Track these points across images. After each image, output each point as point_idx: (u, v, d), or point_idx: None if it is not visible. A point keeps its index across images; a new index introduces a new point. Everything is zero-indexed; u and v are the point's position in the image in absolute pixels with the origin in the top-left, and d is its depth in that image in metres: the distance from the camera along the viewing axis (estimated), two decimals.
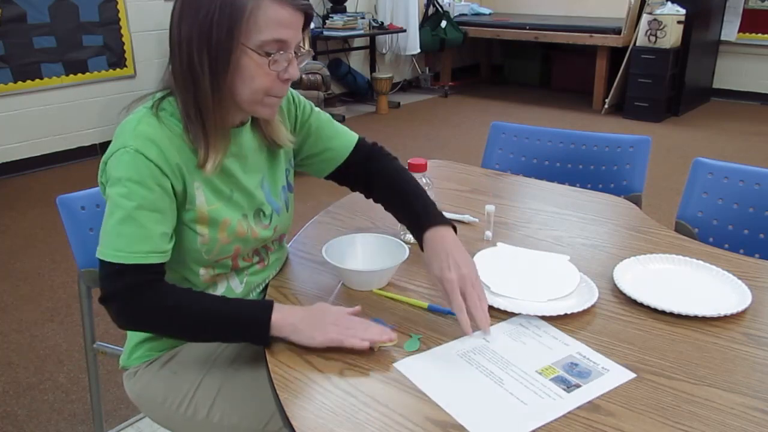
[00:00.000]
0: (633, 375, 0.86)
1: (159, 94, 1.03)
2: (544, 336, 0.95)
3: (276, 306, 0.97)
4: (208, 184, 1.04)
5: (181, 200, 1.02)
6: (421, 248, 1.09)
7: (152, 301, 0.97)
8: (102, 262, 0.96)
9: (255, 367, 1.07)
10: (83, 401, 1.94)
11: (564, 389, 0.84)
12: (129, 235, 0.95)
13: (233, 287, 1.12)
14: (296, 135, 1.22)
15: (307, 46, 1.03)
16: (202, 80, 0.98)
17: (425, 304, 1.05)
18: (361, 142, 1.29)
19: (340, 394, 0.84)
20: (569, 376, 0.86)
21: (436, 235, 1.07)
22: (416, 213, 1.13)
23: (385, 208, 1.23)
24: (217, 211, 1.05)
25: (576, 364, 0.89)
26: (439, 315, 1.02)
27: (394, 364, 0.88)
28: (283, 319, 0.95)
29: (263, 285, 1.18)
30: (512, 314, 1.01)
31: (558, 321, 0.99)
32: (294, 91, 1.22)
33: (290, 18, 0.98)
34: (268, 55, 0.98)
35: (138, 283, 0.96)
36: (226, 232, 1.06)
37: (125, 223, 0.95)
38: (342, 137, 1.27)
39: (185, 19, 0.97)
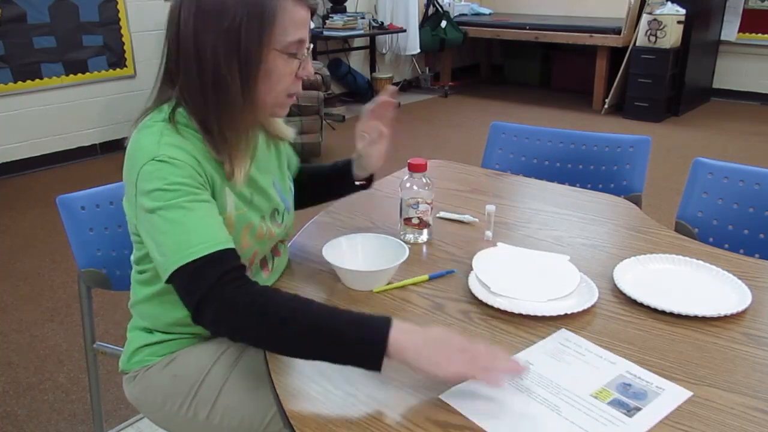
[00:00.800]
0: (689, 394, 0.83)
1: (167, 107, 1.00)
2: (588, 354, 0.92)
3: (395, 323, 0.84)
4: (235, 190, 1.03)
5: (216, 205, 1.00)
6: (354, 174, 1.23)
7: (249, 291, 0.89)
8: (176, 274, 0.89)
9: (255, 367, 1.07)
10: (83, 401, 1.94)
11: (624, 413, 0.79)
12: (194, 228, 0.91)
13: None
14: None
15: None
16: (232, 89, 0.95)
17: (426, 276, 1.10)
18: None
19: (340, 394, 0.84)
20: (626, 399, 0.82)
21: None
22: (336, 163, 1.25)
23: (316, 188, 1.29)
24: (243, 215, 1.04)
25: (629, 385, 0.85)
26: (439, 315, 1.02)
27: (441, 396, 0.82)
28: (406, 340, 0.82)
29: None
30: (513, 314, 1.01)
31: (558, 321, 0.99)
32: None
33: (306, 17, 0.99)
34: (291, 55, 0.98)
35: (226, 271, 0.89)
36: (249, 236, 1.06)
37: (185, 220, 0.91)
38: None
39: (207, 29, 0.93)
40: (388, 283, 1.11)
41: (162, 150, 0.93)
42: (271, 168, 1.15)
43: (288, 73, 1.00)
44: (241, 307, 0.88)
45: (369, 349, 0.83)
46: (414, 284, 1.11)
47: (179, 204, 0.92)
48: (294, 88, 1.03)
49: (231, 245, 0.93)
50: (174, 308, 1.07)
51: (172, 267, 0.90)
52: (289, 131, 1.18)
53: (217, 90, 0.95)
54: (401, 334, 0.83)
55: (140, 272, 1.11)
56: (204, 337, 1.14)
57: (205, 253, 0.90)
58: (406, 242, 1.21)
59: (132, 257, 1.13)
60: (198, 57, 0.95)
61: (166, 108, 1.00)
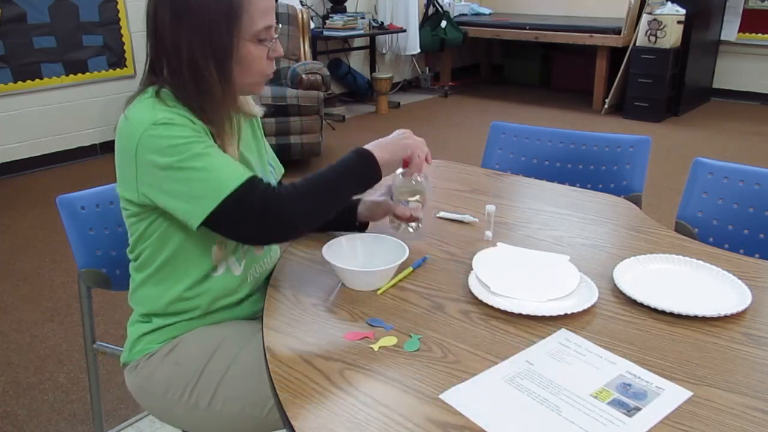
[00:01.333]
0: (689, 394, 0.83)
1: (152, 89, 1.06)
2: (588, 354, 0.92)
3: (365, 147, 1.10)
4: (238, 154, 1.12)
5: None
6: None
7: (297, 189, 1.02)
8: (215, 212, 0.98)
9: (256, 356, 1.08)
10: (83, 401, 1.94)
11: (624, 413, 0.80)
12: (224, 168, 1.00)
13: (233, 269, 1.14)
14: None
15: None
16: (210, 79, 1.03)
17: (410, 269, 1.15)
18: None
19: (340, 394, 0.84)
20: (626, 399, 0.82)
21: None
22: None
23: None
24: None
25: (629, 385, 0.85)
26: (439, 315, 1.02)
27: (441, 396, 0.83)
28: (376, 148, 1.10)
29: (261, 273, 1.20)
30: (513, 314, 1.01)
31: (558, 321, 0.99)
32: None
33: (272, 4, 1.07)
34: (261, 41, 1.06)
35: (268, 185, 1.02)
36: None
37: (208, 163, 0.99)
38: (277, 161, 1.34)
39: (180, 25, 1.01)
40: (387, 283, 1.11)
41: (159, 115, 1.01)
42: (250, 145, 1.21)
43: (260, 57, 1.08)
44: (289, 199, 1.01)
45: (365, 162, 1.09)
46: (405, 278, 1.13)
47: (197, 152, 0.99)
48: (268, 69, 1.11)
49: (255, 174, 1.03)
50: (169, 286, 1.12)
51: (212, 205, 0.98)
52: (257, 108, 1.24)
53: (197, 81, 1.03)
54: (372, 148, 1.10)
55: (135, 259, 1.15)
56: (203, 324, 1.16)
57: (244, 179, 0.99)
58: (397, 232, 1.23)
59: (128, 248, 1.16)
60: (176, 51, 1.03)
61: (150, 89, 1.06)
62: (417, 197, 1.22)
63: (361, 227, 1.29)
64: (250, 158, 1.17)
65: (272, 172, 1.27)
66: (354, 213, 1.27)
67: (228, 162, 1.02)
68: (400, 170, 1.22)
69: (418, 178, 1.20)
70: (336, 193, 1.07)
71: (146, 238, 1.10)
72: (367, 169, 1.09)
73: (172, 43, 1.02)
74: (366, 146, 1.11)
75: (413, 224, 1.24)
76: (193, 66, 1.02)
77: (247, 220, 0.99)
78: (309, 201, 1.03)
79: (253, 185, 1.00)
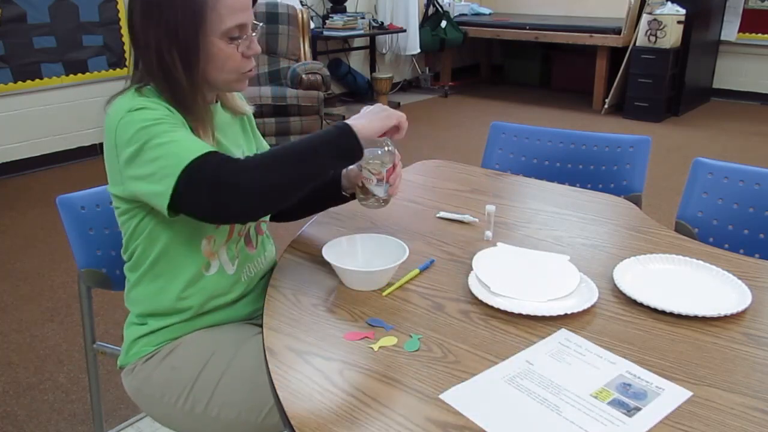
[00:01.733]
0: (689, 394, 0.83)
1: (137, 85, 1.07)
2: (588, 354, 0.92)
3: (345, 121, 1.06)
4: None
5: None
6: None
7: (256, 159, 0.98)
8: (175, 188, 0.94)
9: (252, 361, 1.08)
10: (83, 401, 1.94)
11: (624, 413, 0.80)
12: (187, 143, 0.97)
13: (225, 268, 1.14)
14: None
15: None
16: (176, 76, 1.04)
17: (416, 270, 1.14)
18: None
19: (340, 394, 0.84)
20: (626, 399, 0.82)
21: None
22: None
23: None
24: None
25: (629, 385, 0.85)
26: (439, 315, 1.02)
27: (441, 396, 0.83)
28: (356, 120, 1.06)
29: (255, 273, 1.20)
30: (513, 314, 1.01)
31: (558, 321, 0.99)
32: None
33: (245, 2, 1.06)
34: (232, 39, 1.05)
35: (227, 157, 0.97)
36: None
37: (173, 139, 0.98)
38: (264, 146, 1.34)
39: (149, 24, 1.03)
40: (389, 284, 1.11)
41: (134, 102, 1.01)
42: (240, 142, 1.21)
43: (232, 55, 1.06)
44: (243, 171, 0.95)
45: (346, 136, 1.04)
46: (411, 280, 1.12)
47: (162, 130, 0.98)
48: (245, 67, 1.09)
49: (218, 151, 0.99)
50: (163, 284, 1.12)
51: (172, 182, 0.94)
52: (246, 106, 1.24)
53: (167, 77, 1.04)
54: (352, 121, 1.06)
55: (128, 258, 1.16)
56: (199, 326, 1.16)
57: (197, 155, 0.95)
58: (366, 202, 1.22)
59: (122, 249, 1.17)
60: (147, 49, 1.04)
61: (133, 87, 1.07)
62: (387, 164, 1.18)
63: (352, 197, 1.28)
64: (235, 153, 1.17)
65: None
66: (338, 184, 1.26)
67: (192, 139, 0.99)
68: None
69: (389, 145, 1.17)
70: (305, 165, 1.00)
71: (137, 236, 1.11)
72: (345, 141, 1.04)
73: (144, 41, 1.04)
74: (348, 120, 1.08)
75: (382, 199, 1.21)
76: (162, 63, 1.03)
77: (202, 193, 0.94)
78: (271, 172, 0.97)
79: (209, 156, 0.95)
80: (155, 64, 1.04)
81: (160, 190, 0.96)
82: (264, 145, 1.31)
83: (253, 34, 1.09)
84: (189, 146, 0.96)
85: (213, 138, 1.10)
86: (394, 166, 1.19)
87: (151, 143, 0.97)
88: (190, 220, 1.03)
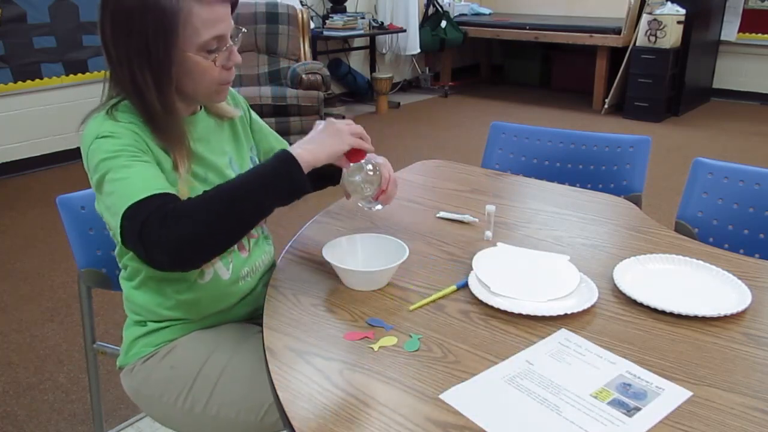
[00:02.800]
0: (689, 394, 0.83)
1: (112, 101, 1.04)
2: (588, 354, 0.92)
3: (289, 148, 1.01)
4: (189, 170, 1.07)
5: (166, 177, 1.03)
6: None
7: (183, 207, 0.92)
8: (123, 217, 0.91)
9: (251, 360, 1.08)
10: (83, 401, 1.94)
11: (624, 413, 0.79)
12: (136, 181, 0.94)
13: (220, 273, 1.13)
14: (249, 129, 1.28)
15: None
16: (149, 95, 0.99)
17: (453, 287, 1.08)
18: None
19: (340, 394, 0.84)
20: (626, 399, 0.82)
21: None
22: None
23: None
24: (197, 189, 1.07)
25: (629, 385, 0.85)
26: (439, 315, 1.02)
27: (441, 396, 0.83)
28: (302, 148, 1.01)
29: (253, 276, 1.19)
30: (513, 314, 1.01)
31: (558, 321, 0.99)
32: (231, 90, 1.24)
33: (222, 12, 1.01)
34: (210, 52, 1.01)
35: (163, 203, 0.92)
36: None
37: (128, 175, 0.95)
38: (279, 140, 1.34)
39: (118, 40, 0.99)
40: (419, 298, 1.11)
41: (103, 128, 0.99)
42: (225, 148, 1.18)
43: (209, 68, 1.02)
44: (179, 219, 0.90)
45: (287, 169, 0.98)
46: (445, 296, 1.07)
47: (120, 164, 0.96)
48: (225, 78, 1.06)
49: (171, 191, 0.96)
50: (158, 295, 1.12)
51: (118, 218, 0.92)
52: (233, 111, 1.21)
53: (138, 96, 1.00)
54: (298, 148, 1.00)
55: (123, 267, 1.16)
56: (198, 327, 1.16)
57: (146, 195, 0.92)
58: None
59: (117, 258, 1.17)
60: (117, 65, 1.00)
61: (111, 102, 1.04)
62: (374, 186, 1.17)
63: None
64: (214, 161, 1.12)
65: None
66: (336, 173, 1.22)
67: (144, 177, 0.95)
68: (349, 167, 1.14)
69: (370, 167, 1.15)
70: (244, 209, 0.94)
71: (125, 251, 1.11)
72: (287, 179, 0.97)
73: (116, 57, 1.00)
74: (294, 146, 1.02)
75: (380, 204, 1.22)
76: (134, 81, 0.99)
77: (136, 242, 0.91)
78: (204, 219, 0.91)
79: (147, 203, 0.91)
80: (128, 81, 1.00)
81: (113, 225, 0.95)
82: (271, 142, 1.30)
83: (234, 41, 1.04)
84: (138, 186, 0.93)
85: (187, 157, 1.05)
86: (385, 183, 1.18)
87: (108, 176, 0.95)
88: None
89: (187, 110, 1.12)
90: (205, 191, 0.96)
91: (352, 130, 1.08)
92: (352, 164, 1.13)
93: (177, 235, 0.89)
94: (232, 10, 1.05)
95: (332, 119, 1.08)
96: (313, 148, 1.02)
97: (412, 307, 1.03)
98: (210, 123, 1.16)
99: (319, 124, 1.08)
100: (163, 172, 1.01)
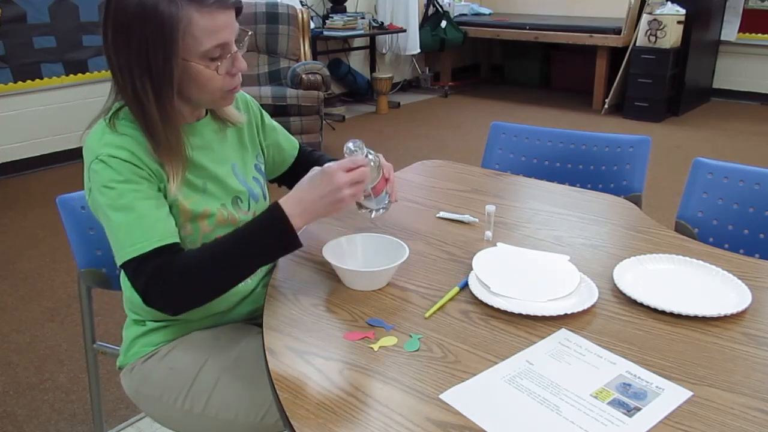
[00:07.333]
0: (690, 394, 0.83)
1: (114, 108, 1.04)
2: (588, 354, 0.92)
3: (281, 202, 1.00)
4: (183, 181, 1.07)
5: (164, 197, 1.04)
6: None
7: (182, 268, 0.97)
8: (126, 265, 0.98)
9: (250, 361, 1.08)
10: (83, 401, 1.94)
11: (625, 413, 0.80)
12: (138, 227, 0.97)
13: None
14: (259, 132, 1.27)
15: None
16: (148, 106, 0.99)
17: (456, 288, 1.08)
18: (302, 146, 1.37)
19: (340, 394, 0.84)
20: (626, 399, 0.82)
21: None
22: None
23: None
24: (196, 203, 1.07)
25: (629, 385, 0.85)
26: (439, 315, 1.02)
27: (441, 396, 0.83)
28: (296, 213, 0.99)
29: (253, 278, 1.19)
30: (513, 314, 1.01)
31: (558, 321, 0.99)
32: (243, 93, 1.25)
33: (224, 20, 0.99)
34: (213, 60, 1.00)
35: (165, 262, 0.97)
36: (207, 221, 1.09)
37: (130, 219, 0.97)
38: (289, 139, 1.34)
39: (120, 50, 0.98)
40: (387, 285, 1.11)
41: (103, 150, 0.98)
42: (229, 156, 1.17)
43: (213, 76, 1.01)
44: (180, 280, 0.97)
45: (278, 227, 0.99)
46: (452, 299, 1.07)
47: (122, 204, 0.97)
48: (230, 84, 1.05)
49: (170, 240, 0.99)
50: None
51: (121, 261, 0.98)
52: (238, 116, 1.19)
53: (137, 104, 1.00)
54: (292, 212, 0.99)
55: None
56: (198, 327, 1.16)
57: (150, 249, 0.96)
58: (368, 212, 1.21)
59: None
60: (118, 73, 0.99)
61: (113, 108, 1.04)
62: (373, 180, 1.16)
63: None
64: (214, 170, 1.12)
65: (257, 179, 1.22)
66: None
67: (144, 223, 0.97)
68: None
69: (373, 159, 1.14)
70: (233, 269, 1.00)
71: None
72: (279, 248, 1.01)
73: (117, 64, 0.99)
74: (288, 203, 1.00)
75: (382, 207, 1.22)
76: (134, 90, 0.98)
77: (138, 291, 0.98)
78: (197, 279, 0.98)
79: (148, 259, 0.96)
80: (128, 89, 0.99)
81: (116, 262, 1.00)
82: (281, 143, 1.31)
83: (239, 45, 1.03)
84: (135, 236, 0.96)
85: (182, 169, 1.05)
86: (385, 179, 1.18)
87: (108, 211, 0.98)
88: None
89: (191, 116, 1.11)
90: (203, 245, 1.02)
91: (354, 194, 1.03)
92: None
93: (177, 296, 0.98)
94: (237, 15, 1.03)
95: (334, 172, 1.01)
96: (307, 218, 1.01)
97: (427, 314, 1.02)
98: (214, 129, 1.15)
99: (316, 175, 1.02)
100: (159, 190, 1.03)
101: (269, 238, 1.00)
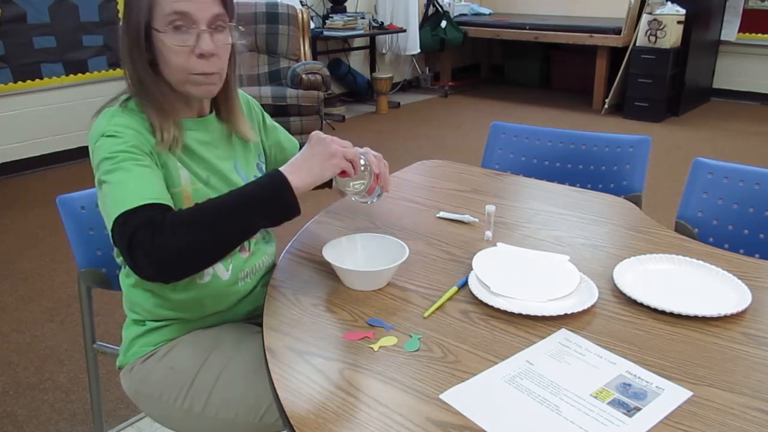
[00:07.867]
0: (690, 394, 0.83)
1: (123, 96, 1.08)
2: (588, 354, 0.92)
3: (281, 169, 1.00)
4: (187, 166, 1.09)
5: (167, 177, 1.05)
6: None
7: (172, 220, 0.93)
8: (115, 222, 0.94)
9: (251, 360, 1.08)
10: (83, 401, 1.94)
11: (625, 413, 0.80)
12: (131, 187, 0.96)
13: (219, 274, 1.13)
14: (261, 132, 1.29)
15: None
16: (136, 67, 1.04)
17: (455, 288, 1.08)
18: (302, 146, 1.36)
19: (340, 394, 0.84)
20: (626, 399, 0.82)
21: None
22: None
23: None
24: (199, 191, 1.09)
25: (629, 385, 0.85)
26: (439, 315, 1.02)
27: (441, 396, 0.83)
28: (293, 173, 0.99)
29: (253, 277, 1.19)
30: (513, 314, 1.01)
31: (558, 321, 0.99)
32: (244, 94, 1.27)
33: None
34: (177, 30, 1.02)
35: (157, 213, 0.93)
36: None
37: (125, 179, 0.97)
38: (290, 139, 1.36)
39: (122, 30, 1.04)
40: (430, 304, 1.11)
41: (111, 127, 1.01)
42: (232, 153, 1.19)
43: (176, 50, 1.02)
44: (169, 233, 0.91)
45: (279, 193, 0.98)
46: (450, 299, 1.07)
47: (120, 167, 0.98)
48: (194, 67, 1.03)
49: (164, 201, 0.98)
50: (157, 293, 1.12)
51: (111, 219, 0.94)
52: (251, 135, 1.21)
53: (134, 84, 1.06)
54: (289, 172, 0.99)
55: (123, 265, 1.17)
56: (197, 326, 1.16)
57: (139, 204, 0.94)
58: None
59: (115, 253, 1.18)
60: (123, 57, 1.05)
61: (123, 97, 1.09)
62: (366, 180, 1.16)
63: None
64: (218, 165, 1.13)
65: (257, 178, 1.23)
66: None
67: (140, 183, 0.96)
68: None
69: (364, 165, 1.14)
70: (231, 227, 0.96)
71: None
72: (278, 203, 0.98)
73: (120, 50, 1.06)
74: (284, 167, 1.01)
75: (375, 196, 1.21)
76: (129, 66, 1.05)
77: (125, 247, 0.92)
78: (191, 234, 0.93)
79: (139, 212, 0.93)
80: (130, 74, 1.05)
81: (107, 226, 0.97)
82: (283, 142, 1.33)
83: (212, 31, 1.03)
84: (129, 194, 0.95)
85: (169, 139, 1.05)
86: (377, 176, 1.17)
87: (106, 177, 0.98)
88: None
89: (188, 109, 1.13)
90: (196, 204, 0.99)
91: (345, 153, 1.05)
92: (340, 178, 1.12)
93: (164, 247, 0.91)
94: (224, 5, 1.04)
95: (324, 136, 1.05)
96: (303, 175, 1.01)
97: (426, 314, 1.02)
98: (222, 131, 1.18)
99: (312, 138, 1.06)
100: (164, 175, 1.04)
101: (265, 191, 0.98)
